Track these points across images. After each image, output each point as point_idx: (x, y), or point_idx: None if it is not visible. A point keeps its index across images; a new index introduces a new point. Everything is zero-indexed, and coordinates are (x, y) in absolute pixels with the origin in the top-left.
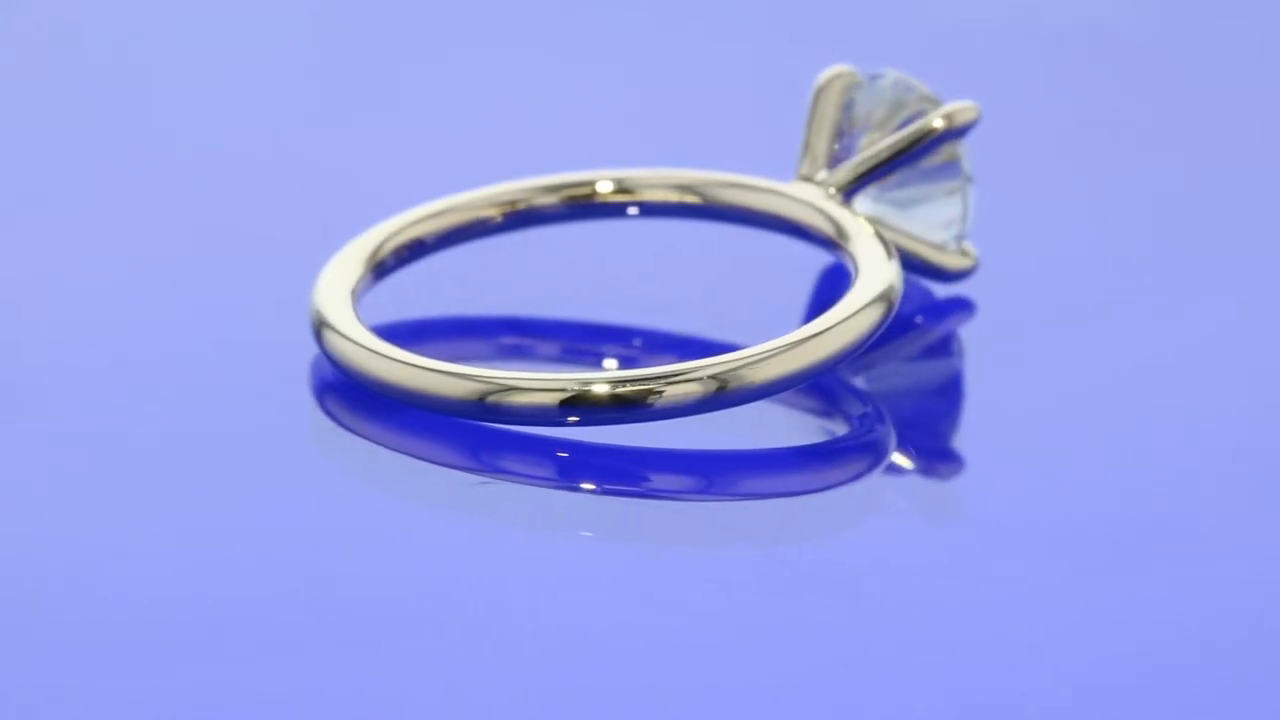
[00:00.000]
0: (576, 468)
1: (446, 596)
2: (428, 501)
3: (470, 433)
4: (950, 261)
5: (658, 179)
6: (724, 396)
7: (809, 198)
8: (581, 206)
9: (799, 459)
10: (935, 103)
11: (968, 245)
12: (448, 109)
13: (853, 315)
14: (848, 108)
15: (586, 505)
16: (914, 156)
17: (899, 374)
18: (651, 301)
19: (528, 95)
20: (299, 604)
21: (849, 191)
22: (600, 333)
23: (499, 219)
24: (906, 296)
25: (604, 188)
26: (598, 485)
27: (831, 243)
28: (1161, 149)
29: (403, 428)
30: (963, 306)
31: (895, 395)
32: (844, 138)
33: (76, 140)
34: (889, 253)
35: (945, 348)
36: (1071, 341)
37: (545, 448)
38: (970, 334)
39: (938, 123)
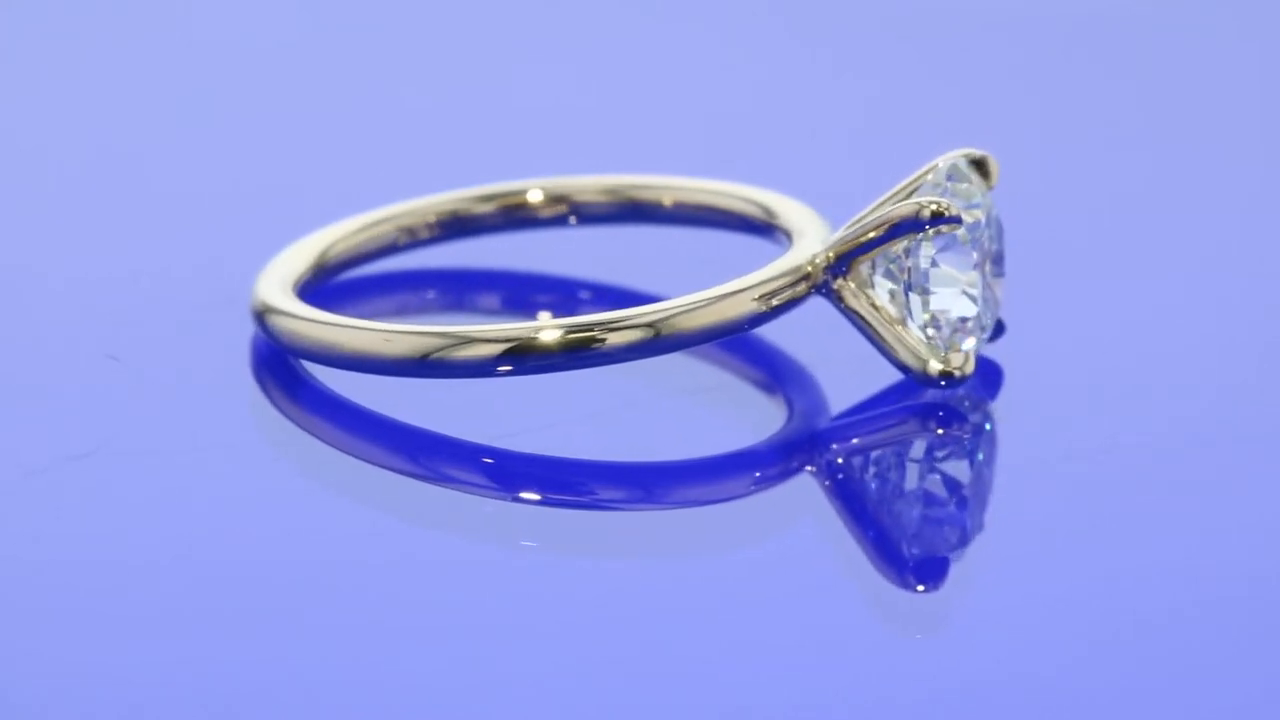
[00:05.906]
0: (509, 475)
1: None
2: (363, 498)
3: (406, 436)
4: (932, 366)
5: (587, 185)
6: (660, 342)
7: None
8: (516, 216)
9: (726, 465)
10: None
11: (955, 357)
12: (396, 116)
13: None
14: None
15: (523, 513)
16: (880, 241)
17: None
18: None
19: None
20: (226, 590)
21: (840, 259)
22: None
23: (430, 231)
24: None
25: (534, 196)
26: (535, 493)
27: (765, 225)
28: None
29: (345, 423)
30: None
31: (896, 496)
32: None
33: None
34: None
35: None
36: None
37: (473, 454)
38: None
39: (901, 211)
